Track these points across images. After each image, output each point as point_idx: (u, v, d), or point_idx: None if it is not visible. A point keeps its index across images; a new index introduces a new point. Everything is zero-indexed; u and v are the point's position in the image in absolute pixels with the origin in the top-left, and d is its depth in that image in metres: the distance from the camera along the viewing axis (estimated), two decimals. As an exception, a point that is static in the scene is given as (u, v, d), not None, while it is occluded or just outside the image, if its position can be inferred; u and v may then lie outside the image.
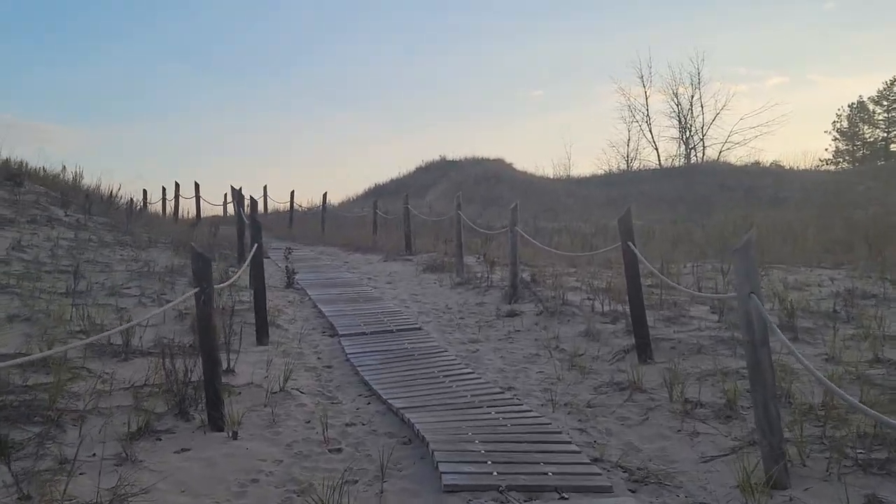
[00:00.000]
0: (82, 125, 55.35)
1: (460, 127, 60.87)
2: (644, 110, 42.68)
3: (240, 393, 5.12)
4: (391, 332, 7.21)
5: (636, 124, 47.27)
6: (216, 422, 4.33)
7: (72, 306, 6.85)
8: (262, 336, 6.73)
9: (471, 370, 5.76)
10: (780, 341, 3.61)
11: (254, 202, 9.63)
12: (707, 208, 24.05)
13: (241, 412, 4.60)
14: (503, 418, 4.48)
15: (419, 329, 7.33)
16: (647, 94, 42.70)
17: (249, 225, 6.77)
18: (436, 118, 62.04)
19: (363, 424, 4.69)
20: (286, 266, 9.58)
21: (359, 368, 5.82)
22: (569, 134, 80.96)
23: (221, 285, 5.80)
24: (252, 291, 7.25)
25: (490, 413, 4.60)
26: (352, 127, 61.76)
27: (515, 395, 5.21)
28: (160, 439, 4.18)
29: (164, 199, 19.17)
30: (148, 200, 20.86)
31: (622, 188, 31.24)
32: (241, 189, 10.90)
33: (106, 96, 58.04)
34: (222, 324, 6.25)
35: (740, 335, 4.52)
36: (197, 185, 18.46)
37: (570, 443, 4.10)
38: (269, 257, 12.80)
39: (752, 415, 3.94)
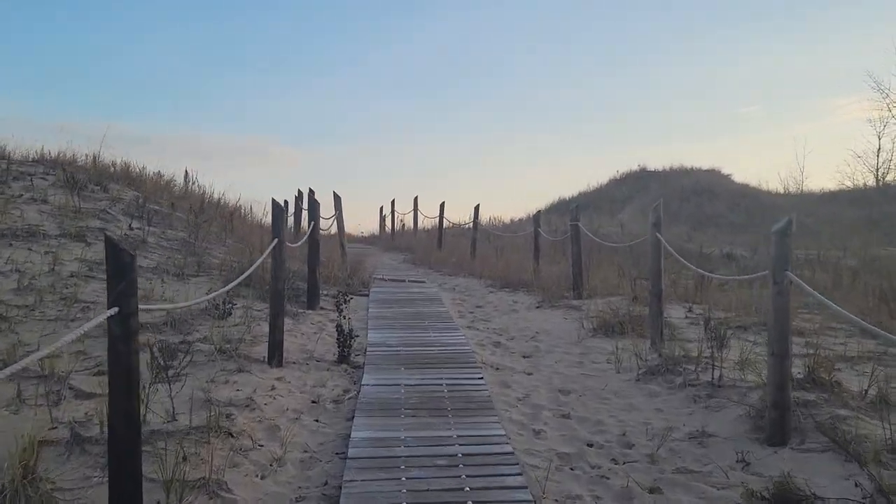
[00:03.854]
0: (302, 147, 56.77)
1: (666, 143, 53.93)
2: (906, 110, 33.73)
3: None
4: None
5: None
6: None
7: None
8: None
9: None
10: None
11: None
12: None
13: None
14: None
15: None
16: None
17: (111, 256, 2.67)
18: (637, 137, 55.51)
19: None
20: (338, 325, 5.42)
21: None
22: (802, 145, 68.21)
23: None
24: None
25: None
26: (544, 141, 57.21)
27: None
28: None
29: (297, 210, 16.14)
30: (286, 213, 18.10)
31: (882, 207, 23.83)
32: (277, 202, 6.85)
33: (319, 122, 59.04)
34: None
35: None
36: (312, 192, 15.12)
37: None
38: (364, 294, 8.83)
39: None
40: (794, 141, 55.80)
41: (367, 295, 8.77)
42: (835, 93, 54.35)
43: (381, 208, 22.64)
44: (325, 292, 8.21)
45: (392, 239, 18.76)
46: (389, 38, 59.56)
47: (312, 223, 7.39)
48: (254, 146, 52.28)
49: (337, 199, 10.05)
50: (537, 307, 8.44)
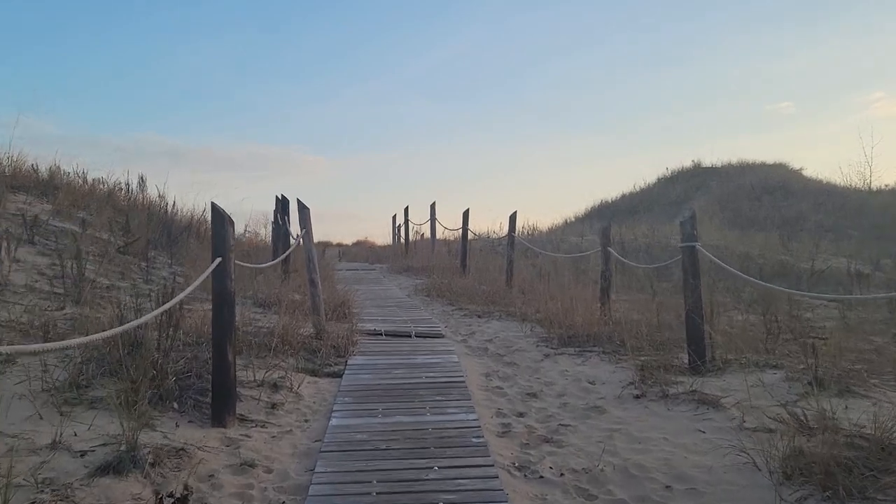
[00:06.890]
0: (331, 156, 53.23)
1: (699, 143, 49.45)
2: None
3: None
4: None
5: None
6: None
7: None
8: None
9: None
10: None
11: None
12: None
13: None
14: None
15: None
16: None
17: None
18: (673, 135, 50.89)
19: None
20: None
21: None
22: (870, 137, 61.36)
23: None
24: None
25: None
26: (572, 141, 52.92)
27: None
28: None
29: (275, 226, 12.66)
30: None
31: None
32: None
33: (352, 131, 55.28)
34: None
35: None
36: (285, 201, 11.63)
37: None
38: (335, 374, 5.26)
39: None
40: (858, 133, 50.59)
41: (341, 374, 5.21)
42: (872, 86, 49.67)
43: (395, 217, 19.14)
44: (255, 381, 4.66)
45: (405, 255, 15.20)
46: (419, 45, 55.75)
47: (219, 259, 3.87)
48: (283, 156, 49.42)
49: (303, 210, 6.48)
50: (636, 397, 4.80)
